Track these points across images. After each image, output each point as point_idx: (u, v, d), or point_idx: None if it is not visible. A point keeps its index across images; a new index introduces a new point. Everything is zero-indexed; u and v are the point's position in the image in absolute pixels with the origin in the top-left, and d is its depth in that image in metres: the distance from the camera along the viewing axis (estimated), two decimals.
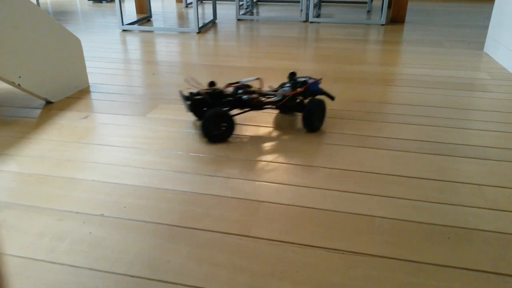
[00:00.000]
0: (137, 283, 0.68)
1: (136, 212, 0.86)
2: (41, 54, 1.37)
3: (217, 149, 1.13)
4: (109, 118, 1.33)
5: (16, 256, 0.74)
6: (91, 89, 1.60)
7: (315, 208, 0.88)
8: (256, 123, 1.29)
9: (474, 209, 0.88)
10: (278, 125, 1.28)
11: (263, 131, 1.25)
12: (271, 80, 1.69)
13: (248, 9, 3.51)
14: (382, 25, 2.93)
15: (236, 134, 1.22)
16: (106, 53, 2.14)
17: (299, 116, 1.34)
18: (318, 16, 3.25)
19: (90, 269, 0.71)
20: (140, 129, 1.25)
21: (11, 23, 1.25)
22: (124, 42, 2.39)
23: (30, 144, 1.15)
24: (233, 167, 1.04)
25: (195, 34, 2.62)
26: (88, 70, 1.82)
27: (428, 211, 0.87)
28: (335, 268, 0.71)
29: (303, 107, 1.24)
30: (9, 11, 1.24)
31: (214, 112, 1.14)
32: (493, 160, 1.08)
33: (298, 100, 1.27)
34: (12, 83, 1.27)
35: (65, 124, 1.28)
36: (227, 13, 3.43)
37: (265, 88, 1.32)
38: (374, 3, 3.98)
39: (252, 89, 1.25)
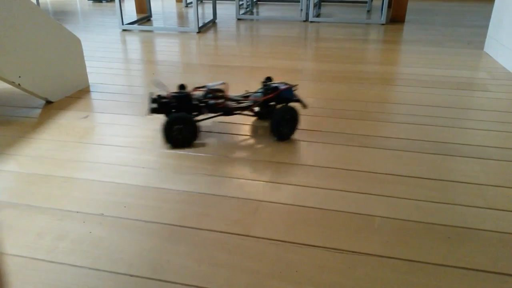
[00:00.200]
0: (137, 283, 0.68)
1: (136, 212, 0.86)
2: (41, 54, 1.38)
3: (217, 149, 1.13)
4: (109, 117, 1.33)
5: (16, 256, 0.74)
6: (91, 88, 1.60)
7: (315, 208, 0.88)
8: (256, 123, 1.29)
9: (474, 208, 0.88)
10: None
11: (263, 131, 1.25)
12: (275, 81, 1.69)
13: (248, 9, 3.51)
14: (382, 24, 2.93)
15: (236, 134, 1.22)
16: (106, 52, 2.14)
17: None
18: (318, 15, 3.25)
19: (90, 268, 0.71)
20: (140, 128, 1.25)
21: (11, 23, 1.25)
22: (124, 42, 2.39)
23: (30, 144, 1.15)
24: (233, 166, 1.04)
25: (195, 33, 2.62)
26: (88, 69, 1.82)
27: (428, 211, 0.87)
28: (335, 268, 0.72)
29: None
30: (9, 11, 1.24)
31: (174, 117, 1.10)
32: (493, 159, 1.08)
33: (270, 107, 1.23)
34: (12, 83, 1.27)
35: (65, 123, 1.28)
36: (227, 12, 3.43)
37: (242, 92, 1.29)
38: (374, 2, 3.98)
39: (221, 94, 1.20)
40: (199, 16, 3.18)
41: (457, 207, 0.88)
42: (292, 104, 1.22)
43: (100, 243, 0.77)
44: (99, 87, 1.62)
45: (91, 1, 4.07)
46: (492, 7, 2.18)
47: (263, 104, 1.22)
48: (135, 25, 2.77)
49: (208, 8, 3.61)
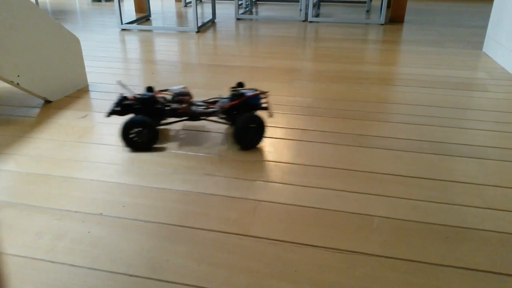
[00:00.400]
0: (136, 282, 0.68)
1: (135, 211, 0.86)
2: (40, 53, 1.37)
3: (217, 149, 1.13)
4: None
5: (15, 256, 0.74)
6: (90, 88, 1.60)
7: (314, 208, 0.88)
8: None
9: (473, 208, 0.88)
10: (277, 125, 1.28)
11: None
12: (274, 80, 1.69)
13: (247, 9, 3.51)
14: (381, 24, 2.93)
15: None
16: (105, 52, 2.14)
17: (293, 120, 1.34)
18: (317, 15, 3.25)
19: (89, 268, 0.71)
20: None
21: (10, 23, 1.25)
22: (123, 41, 2.39)
23: (29, 143, 1.15)
24: (232, 166, 1.04)
25: (194, 33, 2.62)
26: (87, 69, 1.82)
27: (426, 211, 0.87)
28: (334, 268, 0.72)
29: None
30: (8, 10, 1.24)
31: (131, 120, 1.08)
32: (492, 159, 1.09)
33: (237, 114, 1.18)
34: (11, 82, 1.27)
35: (64, 123, 1.28)
36: (226, 12, 3.43)
37: (215, 97, 1.26)
38: (373, 2, 3.99)
39: (188, 98, 1.17)
40: (198, 16, 3.18)
41: (456, 207, 0.88)
42: (259, 112, 1.17)
43: (99, 243, 0.77)
44: (98, 86, 1.62)
45: (90, 1, 4.07)
46: (491, 7, 2.18)
47: (229, 110, 1.17)
48: (134, 25, 2.77)
49: (207, 8, 3.61)
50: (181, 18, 3.19)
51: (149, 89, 1.20)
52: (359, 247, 0.76)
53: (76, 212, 0.86)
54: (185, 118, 1.16)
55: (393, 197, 0.92)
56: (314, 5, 3.18)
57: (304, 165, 1.05)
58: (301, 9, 3.39)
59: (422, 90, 1.60)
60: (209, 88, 1.60)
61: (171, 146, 1.14)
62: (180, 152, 1.11)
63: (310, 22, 3.02)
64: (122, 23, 2.70)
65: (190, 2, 3.84)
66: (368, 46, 2.31)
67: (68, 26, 2.78)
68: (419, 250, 0.76)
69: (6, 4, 1.23)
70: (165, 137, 1.20)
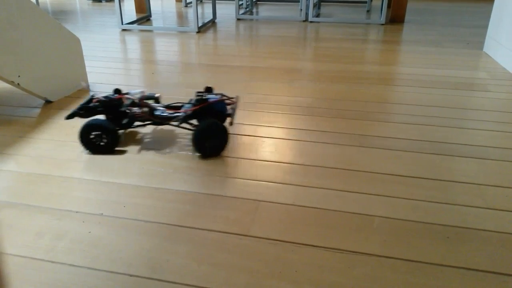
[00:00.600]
0: (136, 282, 0.68)
1: (135, 212, 0.86)
2: (41, 53, 1.37)
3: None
4: None
5: (15, 255, 0.74)
6: (91, 88, 1.60)
7: (314, 208, 0.88)
8: (257, 123, 1.30)
9: (473, 208, 0.88)
10: (277, 125, 1.28)
11: (262, 131, 1.25)
12: (274, 81, 1.69)
13: (247, 9, 3.51)
14: (382, 24, 2.93)
15: (236, 134, 1.22)
16: (105, 52, 2.14)
17: (296, 120, 1.34)
18: (317, 15, 3.25)
19: (89, 268, 0.71)
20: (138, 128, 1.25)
21: (11, 23, 1.25)
22: (123, 42, 2.39)
23: (29, 144, 1.15)
24: (232, 166, 1.04)
25: (195, 33, 2.62)
26: (87, 69, 1.82)
27: (427, 211, 0.87)
28: (334, 268, 0.72)
29: None
30: (8, 11, 1.24)
31: (90, 123, 1.07)
32: (492, 159, 1.08)
33: (201, 119, 1.15)
34: (12, 82, 1.27)
35: (65, 123, 1.28)
36: (226, 12, 3.43)
37: (186, 100, 1.23)
38: (373, 2, 3.98)
39: (151, 102, 1.15)
40: (198, 16, 3.18)
41: (456, 207, 0.88)
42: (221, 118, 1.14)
43: (99, 243, 0.77)
44: (99, 86, 1.62)
45: (91, 1, 4.07)
46: (492, 7, 2.18)
47: (193, 116, 1.12)
48: (135, 25, 2.77)
49: (207, 8, 3.61)
50: (181, 18, 3.19)
51: (117, 91, 1.17)
52: (359, 247, 0.76)
53: (76, 212, 0.86)
54: (148, 122, 1.14)
55: (394, 197, 0.92)
56: (314, 5, 3.18)
57: (304, 165, 1.05)
58: (301, 9, 3.39)
59: (422, 90, 1.60)
60: None
61: (171, 146, 1.14)
62: (180, 152, 1.11)
63: (311, 22, 3.02)
64: (122, 23, 2.70)
65: (190, 2, 3.85)
66: (369, 46, 2.31)
67: (69, 26, 2.78)
68: (419, 250, 0.76)
69: (6, 4, 1.23)
70: (165, 137, 1.20)
